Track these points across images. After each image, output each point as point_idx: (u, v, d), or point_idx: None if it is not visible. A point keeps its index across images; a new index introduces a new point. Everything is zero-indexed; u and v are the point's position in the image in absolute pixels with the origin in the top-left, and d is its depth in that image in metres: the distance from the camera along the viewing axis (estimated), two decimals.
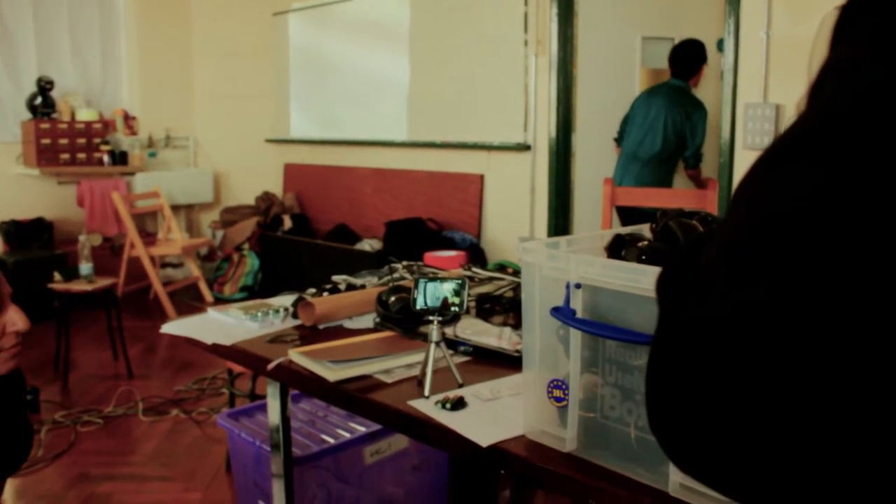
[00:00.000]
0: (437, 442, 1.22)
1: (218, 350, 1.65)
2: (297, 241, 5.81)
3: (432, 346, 1.33)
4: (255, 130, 6.72)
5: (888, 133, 0.37)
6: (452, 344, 1.52)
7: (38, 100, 5.76)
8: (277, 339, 1.63)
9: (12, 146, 5.89)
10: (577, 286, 1.02)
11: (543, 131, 4.59)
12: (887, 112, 0.38)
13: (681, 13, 4.93)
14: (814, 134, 0.41)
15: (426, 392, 1.29)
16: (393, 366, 1.43)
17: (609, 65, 4.74)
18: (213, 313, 1.83)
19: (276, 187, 6.69)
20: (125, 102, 6.40)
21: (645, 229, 1.22)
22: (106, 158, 5.93)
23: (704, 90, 4.59)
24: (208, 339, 1.66)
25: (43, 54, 5.97)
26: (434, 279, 1.34)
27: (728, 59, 3.49)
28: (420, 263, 2.13)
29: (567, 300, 1.02)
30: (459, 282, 1.34)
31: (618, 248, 1.13)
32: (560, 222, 4.57)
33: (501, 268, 2.07)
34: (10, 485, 2.85)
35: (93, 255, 4.14)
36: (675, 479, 0.94)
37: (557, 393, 1.07)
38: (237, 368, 2.98)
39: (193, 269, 5.76)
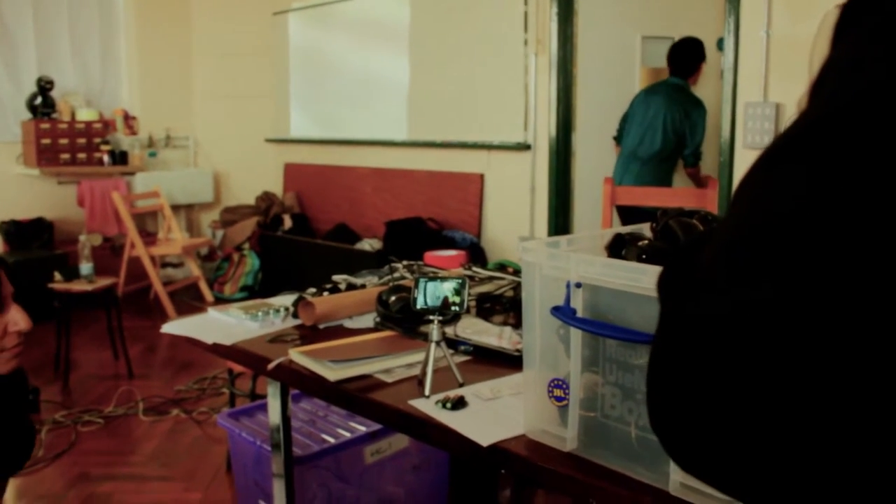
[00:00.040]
0: (438, 441, 1.22)
1: (218, 350, 1.65)
2: (297, 240, 5.81)
3: (433, 345, 1.33)
4: (255, 130, 6.72)
5: (889, 132, 0.37)
6: (453, 343, 1.52)
7: (38, 100, 5.76)
8: (278, 339, 1.63)
9: (12, 146, 5.89)
10: (578, 285, 1.02)
11: (543, 131, 4.59)
12: (888, 111, 0.38)
13: (681, 12, 4.93)
14: (814, 133, 0.41)
15: (426, 391, 1.28)
16: (393, 365, 1.43)
17: (609, 64, 4.74)
18: (213, 313, 1.83)
19: (276, 187, 6.69)
20: (125, 102, 6.40)
21: (645, 228, 1.22)
22: (106, 158, 5.93)
23: (704, 89, 4.59)
24: (209, 339, 1.66)
25: (43, 54, 5.97)
26: (434, 279, 1.34)
27: (728, 58, 3.49)
28: (420, 263, 2.13)
29: (567, 299, 1.02)
30: (460, 281, 1.34)
31: (618, 248, 1.13)
32: (560, 221, 4.57)
33: (502, 267, 2.07)
34: (11, 484, 2.85)
35: (93, 254, 4.14)
36: (676, 479, 0.94)
37: (558, 392, 1.07)
38: (237, 368, 2.98)
39: (194, 269, 5.76)
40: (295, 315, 1.77)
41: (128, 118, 6.22)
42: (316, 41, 6.22)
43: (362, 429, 2.32)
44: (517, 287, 1.71)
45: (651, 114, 4.25)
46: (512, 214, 4.82)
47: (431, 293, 1.33)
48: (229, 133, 6.69)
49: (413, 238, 4.84)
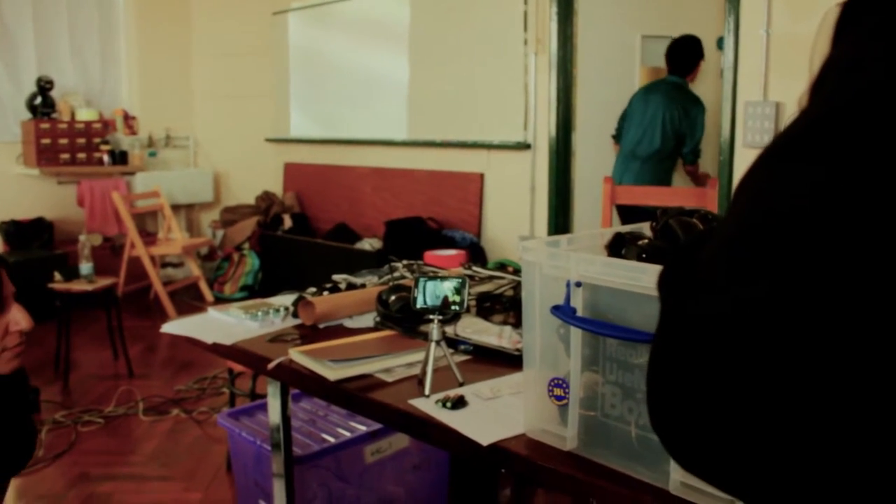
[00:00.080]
0: (438, 441, 1.22)
1: (218, 349, 1.65)
2: (297, 240, 5.81)
3: (433, 344, 1.32)
4: (255, 130, 6.72)
5: (888, 131, 0.37)
6: (453, 343, 1.52)
7: (38, 100, 5.76)
8: (278, 339, 1.63)
9: (12, 146, 5.89)
10: (578, 284, 1.02)
11: (543, 130, 4.58)
12: (888, 110, 0.38)
13: (680, 11, 4.93)
14: (814, 132, 0.41)
15: (427, 391, 1.28)
16: (393, 365, 1.43)
17: (609, 63, 4.74)
18: (213, 313, 1.83)
19: (276, 187, 6.69)
20: (125, 102, 6.40)
21: (645, 228, 1.22)
22: (106, 158, 5.93)
23: (704, 88, 4.59)
24: (209, 339, 1.66)
25: (42, 54, 5.96)
26: (434, 278, 1.34)
27: (728, 57, 3.49)
28: (420, 262, 2.13)
29: (567, 298, 1.02)
30: (460, 281, 1.34)
31: (618, 247, 1.13)
32: (560, 221, 4.57)
33: (502, 266, 2.07)
34: (11, 484, 2.85)
35: (93, 254, 4.14)
36: (676, 478, 0.94)
37: (558, 391, 1.07)
38: (238, 368, 2.98)
39: (194, 269, 5.76)
40: (295, 315, 1.77)
41: (128, 118, 6.22)
42: (316, 41, 6.22)
43: (362, 428, 2.32)
44: (517, 286, 1.71)
45: (650, 112, 4.25)
46: (512, 214, 4.82)
47: (431, 293, 1.33)
48: (229, 133, 6.69)
49: (413, 237, 4.84)
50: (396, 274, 2.00)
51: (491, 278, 1.86)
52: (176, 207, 6.17)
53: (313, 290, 1.85)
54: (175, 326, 1.76)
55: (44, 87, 5.74)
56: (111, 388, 3.90)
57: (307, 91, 6.37)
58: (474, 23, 4.89)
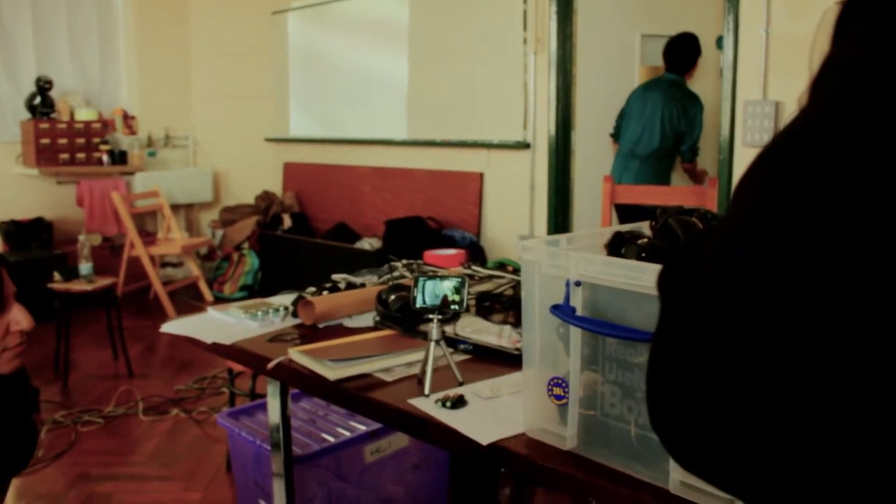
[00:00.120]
0: (438, 440, 1.22)
1: (218, 349, 1.65)
2: (296, 240, 5.81)
3: (432, 344, 1.32)
4: (255, 129, 6.72)
5: (888, 130, 0.37)
6: (452, 342, 1.52)
7: (37, 100, 5.76)
8: (277, 338, 1.63)
9: (11, 146, 5.89)
10: (577, 284, 1.02)
11: (543, 129, 4.58)
12: (887, 109, 0.38)
13: (680, 10, 4.93)
14: (814, 130, 0.41)
15: (426, 390, 1.28)
16: (393, 364, 1.43)
17: (608, 62, 4.74)
18: (212, 312, 1.83)
19: (275, 186, 6.69)
20: (124, 102, 6.40)
21: (644, 227, 1.22)
22: (105, 158, 5.93)
23: (704, 87, 4.59)
24: (208, 339, 1.66)
25: (41, 54, 5.96)
26: (434, 277, 1.34)
27: (727, 56, 3.49)
28: (420, 262, 2.13)
29: (567, 298, 1.02)
30: (459, 280, 1.34)
31: (617, 246, 1.13)
32: (560, 220, 4.57)
33: (501, 266, 2.07)
34: (11, 485, 2.85)
35: (92, 254, 4.13)
36: (676, 477, 0.94)
37: (557, 391, 1.07)
38: (237, 367, 2.98)
39: (193, 269, 5.75)
40: (294, 314, 1.77)
41: (127, 118, 6.22)
42: (315, 40, 6.22)
43: (362, 428, 2.32)
44: (517, 286, 1.71)
45: (648, 111, 4.25)
46: (511, 213, 4.82)
47: (431, 292, 1.33)
48: (229, 132, 6.69)
49: (412, 237, 4.84)
50: (396, 273, 2.00)
51: (490, 278, 1.86)
52: (175, 207, 6.17)
53: (313, 289, 1.84)
54: (175, 326, 1.75)
55: (43, 87, 5.73)
56: (111, 388, 3.90)
57: (306, 90, 6.36)
58: (474, 22, 4.89)
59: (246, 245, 6.03)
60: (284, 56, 6.45)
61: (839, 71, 0.42)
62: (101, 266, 4.65)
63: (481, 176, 5.00)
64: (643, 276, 0.93)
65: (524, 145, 4.67)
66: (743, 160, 3.45)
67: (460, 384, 1.32)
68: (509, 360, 1.43)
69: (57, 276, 4.05)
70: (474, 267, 1.99)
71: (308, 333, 1.67)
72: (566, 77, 4.51)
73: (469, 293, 1.41)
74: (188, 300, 5.72)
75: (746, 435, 0.38)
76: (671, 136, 4.24)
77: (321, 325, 1.72)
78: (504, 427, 1.14)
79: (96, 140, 5.93)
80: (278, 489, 1.83)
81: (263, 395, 2.18)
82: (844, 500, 0.37)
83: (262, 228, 6.07)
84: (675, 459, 0.45)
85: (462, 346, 1.53)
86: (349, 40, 5.85)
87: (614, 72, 4.77)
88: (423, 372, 1.31)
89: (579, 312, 1.02)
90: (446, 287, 1.33)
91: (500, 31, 4.72)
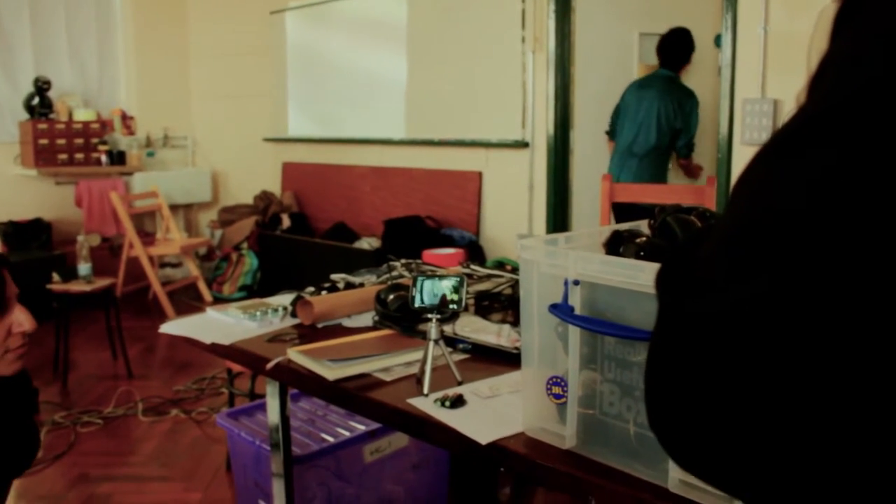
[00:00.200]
0: (437, 440, 1.22)
1: (217, 350, 1.65)
2: (295, 239, 5.80)
3: (431, 343, 1.32)
4: (253, 129, 6.71)
5: (887, 128, 0.37)
6: (451, 342, 1.52)
7: (36, 100, 5.75)
8: (276, 339, 1.63)
9: (10, 147, 5.89)
10: (576, 283, 1.01)
11: (541, 128, 4.58)
12: (886, 107, 0.38)
13: (678, 9, 4.93)
14: (812, 129, 0.41)
15: (425, 390, 1.28)
16: (392, 364, 1.43)
17: (606, 61, 4.74)
18: (211, 313, 1.82)
19: (274, 186, 6.68)
20: (123, 102, 6.39)
21: (643, 225, 1.21)
22: (104, 158, 5.92)
23: (703, 86, 4.59)
24: (207, 339, 1.66)
25: (40, 55, 5.96)
26: (432, 277, 1.34)
27: (726, 54, 3.49)
28: (419, 261, 2.13)
29: (565, 297, 1.02)
30: (458, 279, 1.34)
31: (616, 245, 1.13)
32: (558, 219, 4.57)
33: (500, 265, 2.07)
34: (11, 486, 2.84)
35: (91, 255, 4.13)
36: (675, 476, 0.94)
37: (556, 390, 1.07)
38: (236, 368, 2.98)
39: (192, 269, 5.75)
40: (293, 314, 1.77)
41: (125, 118, 6.22)
42: (313, 40, 6.22)
43: (361, 428, 2.32)
44: (515, 285, 1.71)
45: (644, 108, 4.25)
46: (510, 212, 4.82)
47: (430, 291, 1.33)
48: (227, 132, 6.68)
49: (411, 236, 4.84)
50: (395, 273, 2.00)
51: (489, 277, 1.86)
52: (174, 207, 6.17)
53: (312, 289, 1.84)
54: (174, 327, 1.75)
55: (41, 87, 5.73)
56: (110, 389, 3.90)
57: (305, 90, 6.36)
58: (472, 21, 4.89)
59: (245, 245, 6.03)
60: (283, 56, 6.44)
61: (838, 69, 0.42)
62: (100, 266, 4.64)
63: (480, 175, 5.00)
64: (642, 275, 0.93)
65: (523, 144, 4.67)
66: (742, 158, 3.46)
67: (459, 383, 1.32)
68: (508, 360, 1.43)
69: (56, 276, 4.05)
70: (473, 266, 1.99)
71: (307, 333, 1.67)
72: (564, 76, 4.51)
73: (468, 292, 1.41)
74: (187, 300, 5.71)
75: (745, 434, 0.38)
76: (668, 133, 4.24)
77: (320, 325, 1.72)
78: (503, 426, 1.14)
79: (95, 140, 5.92)
80: (278, 489, 1.83)
81: (263, 396, 2.18)
82: (844, 499, 0.37)
83: (261, 228, 6.07)
84: (674, 459, 0.44)
85: (461, 346, 1.53)
86: (347, 40, 5.85)
87: (613, 70, 4.77)
88: (422, 371, 1.31)
89: (578, 311, 1.02)
90: (445, 286, 1.33)
91: (499, 30, 4.72)
